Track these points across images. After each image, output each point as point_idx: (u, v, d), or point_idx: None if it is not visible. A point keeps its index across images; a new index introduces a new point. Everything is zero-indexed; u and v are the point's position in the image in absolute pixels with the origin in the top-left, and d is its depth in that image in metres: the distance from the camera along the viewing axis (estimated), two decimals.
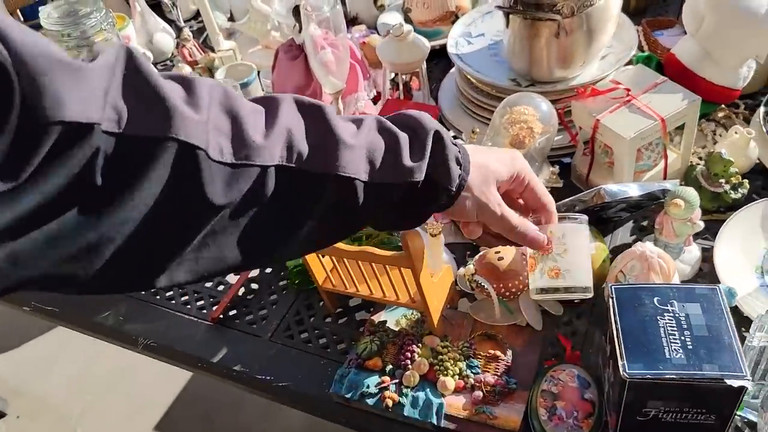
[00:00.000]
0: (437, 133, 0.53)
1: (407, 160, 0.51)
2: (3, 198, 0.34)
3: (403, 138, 0.52)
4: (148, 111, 0.40)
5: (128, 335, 0.87)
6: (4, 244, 0.36)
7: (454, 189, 0.53)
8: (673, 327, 0.61)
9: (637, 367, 0.58)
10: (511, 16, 0.91)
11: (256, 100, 0.49)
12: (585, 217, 0.64)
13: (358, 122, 0.52)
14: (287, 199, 0.47)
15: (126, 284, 0.47)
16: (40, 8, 1.07)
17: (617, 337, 0.61)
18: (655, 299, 0.63)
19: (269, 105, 0.48)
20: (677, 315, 0.62)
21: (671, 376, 0.57)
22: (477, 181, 0.55)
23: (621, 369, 0.59)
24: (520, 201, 0.63)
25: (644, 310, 0.63)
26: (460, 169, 0.54)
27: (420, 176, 0.52)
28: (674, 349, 0.59)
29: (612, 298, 0.64)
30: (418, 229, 0.86)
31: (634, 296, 0.64)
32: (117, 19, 1.24)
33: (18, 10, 1.46)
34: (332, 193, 0.49)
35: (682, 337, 0.60)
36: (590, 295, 0.63)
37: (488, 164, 0.56)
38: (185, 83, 0.44)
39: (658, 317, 0.62)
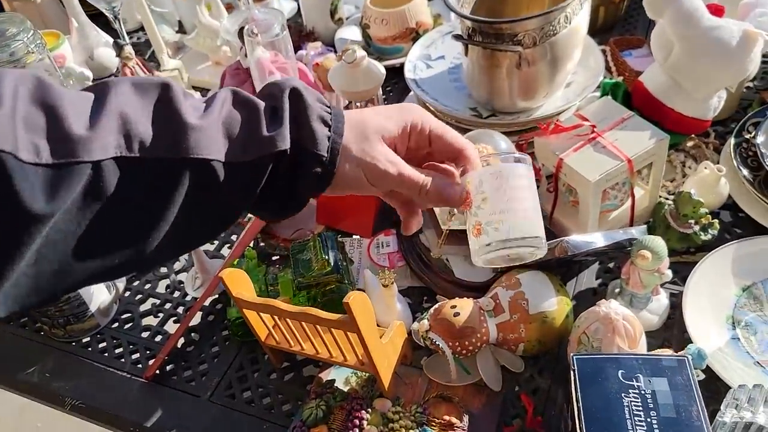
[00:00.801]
0: (294, 91, 0.47)
1: (265, 130, 0.45)
2: None
3: (260, 105, 0.46)
4: None
5: (55, 394, 0.80)
6: None
7: (325, 154, 0.47)
8: (639, 407, 0.55)
9: None
10: (470, 45, 0.85)
11: (85, 88, 0.43)
12: (525, 157, 0.53)
13: (210, 99, 0.45)
14: (136, 193, 0.40)
15: None
16: None
17: (579, 417, 0.56)
18: (620, 372, 0.58)
19: (98, 90, 0.42)
20: (643, 392, 0.56)
21: None
22: (355, 141, 0.48)
23: None
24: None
25: (608, 385, 0.57)
26: (329, 130, 0.47)
27: (283, 144, 0.45)
28: None
29: (574, 370, 0.59)
30: (371, 280, 0.80)
31: (597, 368, 0.59)
32: (50, 36, 1.15)
33: None
34: (189, 179, 0.42)
35: (648, 419, 0.55)
36: (543, 250, 0.53)
37: (366, 120, 0.49)
38: None
39: (623, 394, 0.57)
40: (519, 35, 0.81)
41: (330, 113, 0.48)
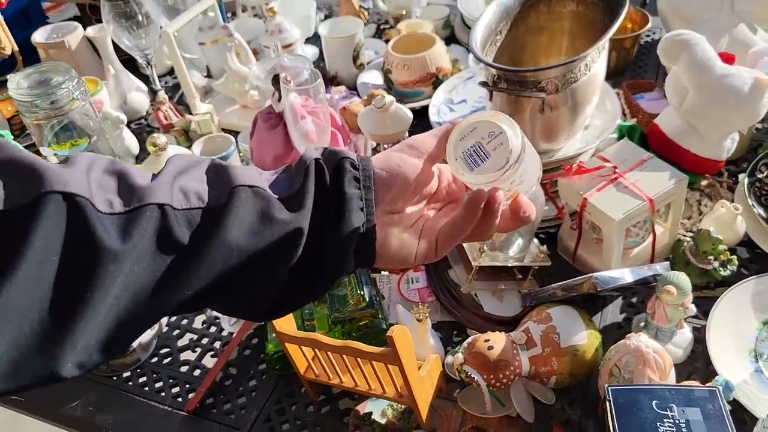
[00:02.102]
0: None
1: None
2: None
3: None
4: (16, 180, 0.38)
5: (98, 427, 0.82)
6: None
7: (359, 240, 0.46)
8: None
9: None
10: (494, 92, 0.89)
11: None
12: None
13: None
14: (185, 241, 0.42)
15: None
16: (9, 77, 1.03)
17: None
18: (654, 403, 0.61)
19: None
20: (677, 421, 0.59)
21: None
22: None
23: None
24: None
25: (643, 415, 0.60)
26: (363, 214, 0.46)
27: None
28: None
29: (609, 401, 0.62)
30: (404, 315, 0.83)
31: (632, 399, 0.62)
32: (90, 83, 1.20)
33: None
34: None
35: None
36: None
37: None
38: (64, 161, 0.42)
39: (657, 423, 0.59)
40: (542, 82, 0.86)
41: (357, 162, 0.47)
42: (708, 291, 0.86)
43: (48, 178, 0.38)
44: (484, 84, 0.90)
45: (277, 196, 0.45)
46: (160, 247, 0.41)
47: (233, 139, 0.97)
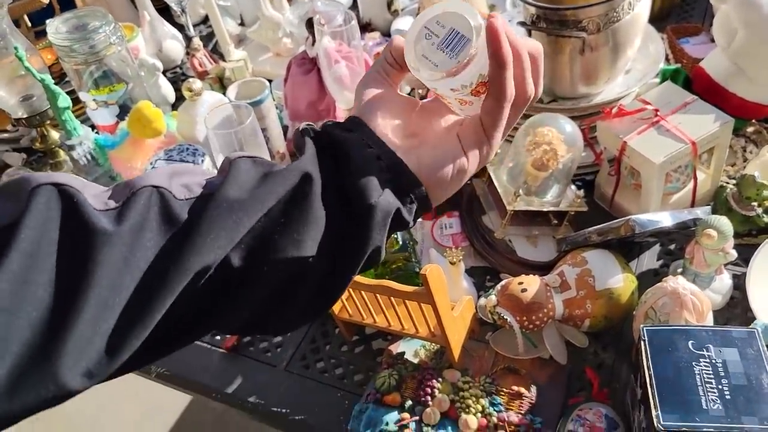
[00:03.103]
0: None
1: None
2: None
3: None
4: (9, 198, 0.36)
5: None
6: None
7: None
8: (710, 374, 0.58)
9: (672, 419, 0.56)
10: (533, 31, 0.87)
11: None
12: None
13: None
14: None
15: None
16: (47, 21, 1.04)
17: (650, 384, 0.58)
18: (690, 343, 0.60)
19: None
20: (714, 361, 0.59)
21: (709, 429, 0.55)
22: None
23: (655, 420, 0.56)
24: None
25: (678, 355, 0.60)
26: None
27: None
28: (711, 399, 0.56)
29: (644, 341, 0.61)
30: (437, 258, 0.84)
31: (667, 339, 0.61)
32: (126, 29, 1.21)
33: (25, 15, 1.43)
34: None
35: (720, 386, 0.57)
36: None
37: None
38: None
39: (693, 363, 0.59)
40: (583, 21, 0.83)
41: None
42: (750, 238, 0.84)
43: (37, 178, 0.36)
44: (522, 24, 0.88)
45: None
46: (161, 222, 0.38)
47: (266, 83, 0.97)
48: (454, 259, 0.79)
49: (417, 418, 0.71)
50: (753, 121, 0.97)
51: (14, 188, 0.37)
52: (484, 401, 0.71)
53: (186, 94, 1.03)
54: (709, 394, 0.56)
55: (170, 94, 1.24)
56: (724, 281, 0.79)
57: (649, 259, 0.86)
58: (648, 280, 0.83)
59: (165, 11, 1.42)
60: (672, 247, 0.87)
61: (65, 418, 1.87)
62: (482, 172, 0.93)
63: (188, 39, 1.24)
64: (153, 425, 1.81)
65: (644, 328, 0.62)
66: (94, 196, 0.38)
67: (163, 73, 1.33)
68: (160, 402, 1.83)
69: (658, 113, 0.82)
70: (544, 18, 0.85)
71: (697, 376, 0.58)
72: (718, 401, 0.56)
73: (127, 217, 0.37)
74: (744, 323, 0.75)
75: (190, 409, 1.84)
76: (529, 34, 0.89)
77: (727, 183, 0.91)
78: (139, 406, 1.84)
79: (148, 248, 0.37)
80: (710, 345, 0.60)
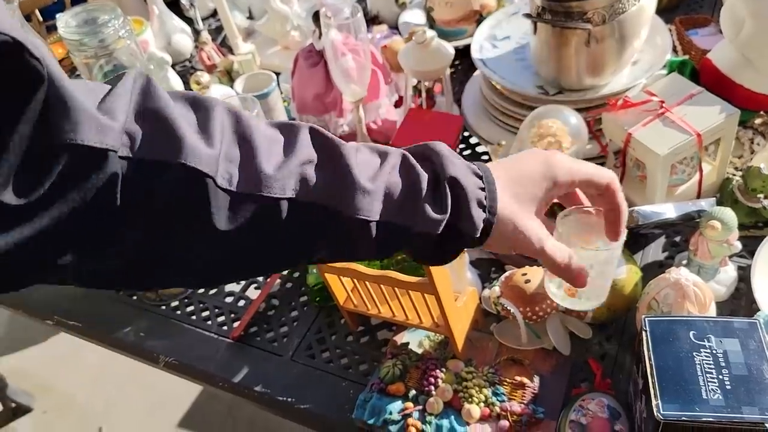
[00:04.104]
0: (453, 180, 0.49)
1: (426, 209, 0.48)
2: (16, 212, 0.35)
3: (424, 179, 0.49)
4: (159, 138, 0.41)
5: (149, 352, 0.87)
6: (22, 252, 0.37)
7: (478, 234, 0.50)
8: (710, 365, 0.58)
9: (673, 408, 0.56)
10: (538, 23, 0.87)
11: (275, 125, 0.48)
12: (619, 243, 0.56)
13: (381, 158, 0.49)
14: (295, 231, 0.46)
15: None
16: (57, 15, 1.05)
17: (651, 374, 0.58)
18: (691, 333, 0.61)
19: (288, 134, 0.47)
20: (714, 351, 0.59)
21: (708, 419, 0.55)
22: (510, 217, 0.51)
23: (655, 409, 0.56)
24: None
25: (680, 345, 0.60)
26: (485, 211, 0.50)
27: (437, 229, 0.49)
28: (711, 389, 0.57)
29: (646, 331, 0.62)
30: None
31: (668, 330, 0.61)
32: (135, 23, 1.22)
33: (36, 10, 1.45)
34: (342, 230, 0.48)
35: (720, 376, 0.57)
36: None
37: (519, 193, 0.52)
38: (200, 111, 0.44)
39: (694, 353, 0.59)
40: (588, 13, 0.83)
41: (485, 193, 0.50)
42: (756, 230, 0.84)
43: (185, 150, 0.41)
44: (528, 15, 0.88)
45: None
46: (267, 238, 0.45)
47: (273, 76, 0.98)
48: None
49: (420, 407, 0.72)
50: (761, 112, 0.96)
51: (166, 135, 0.41)
52: (487, 391, 0.72)
53: (194, 87, 1.04)
54: (709, 384, 0.57)
55: (179, 88, 1.25)
56: (729, 273, 0.79)
57: (654, 251, 0.86)
58: (653, 271, 0.83)
59: (174, 5, 1.43)
60: (677, 239, 0.87)
61: (77, 409, 1.90)
62: None
63: (197, 32, 1.25)
64: (164, 414, 1.83)
65: (646, 319, 0.62)
66: (223, 163, 0.44)
67: (173, 66, 1.34)
68: (170, 392, 1.85)
69: (664, 105, 0.82)
70: (549, 10, 0.85)
71: (698, 366, 0.58)
72: (719, 391, 0.56)
73: (238, 221, 0.44)
74: (748, 315, 0.75)
75: (199, 399, 1.86)
76: (535, 26, 0.89)
77: (734, 175, 0.90)
78: (150, 397, 1.87)
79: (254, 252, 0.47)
80: (711, 335, 0.60)
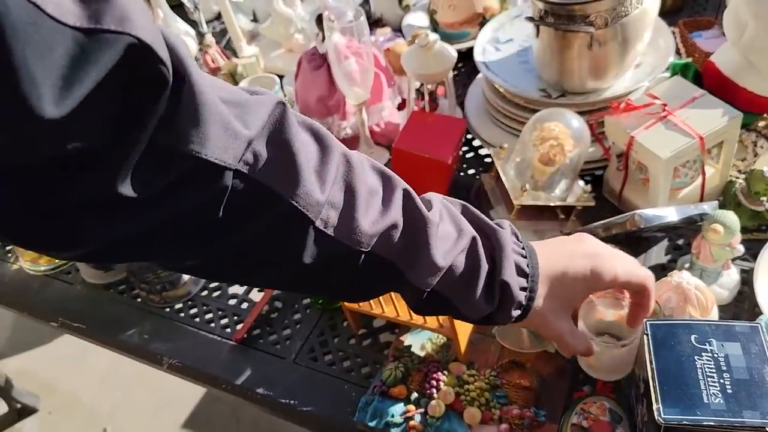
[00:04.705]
0: (504, 284, 0.55)
1: (477, 299, 0.55)
2: (129, 204, 0.37)
3: (483, 271, 0.55)
4: (280, 168, 0.43)
5: (153, 354, 0.87)
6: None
7: (515, 318, 0.58)
8: (712, 369, 0.58)
9: (673, 412, 0.56)
10: (541, 27, 0.87)
11: (378, 173, 0.52)
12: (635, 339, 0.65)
13: (458, 232, 0.54)
14: (363, 276, 0.52)
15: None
16: None
17: (652, 378, 0.58)
18: (693, 337, 0.60)
19: (386, 188, 0.51)
20: (716, 355, 0.59)
21: (710, 423, 0.55)
22: (540, 315, 0.58)
23: (656, 413, 0.56)
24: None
25: (681, 348, 0.60)
26: (520, 310, 0.57)
27: (478, 316, 0.57)
28: (713, 393, 0.56)
29: (647, 334, 0.62)
30: None
31: (670, 333, 0.61)
32: None
33: None
34: (400, 287, 0.55)
35: (721, 380, 0.57)
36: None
37: (557, 295, 0.58)
38: (322, 147, 0.48)
39: (695, 357, 0.59)
40: (591, 16, 0.83)
41: (526, 293, 0.56)
42: (759, 233, 0.84)
43: (300, 190, 0.44)
44: (530, 19, 0.88)
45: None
46: (338, 275, 0.52)
47: (277, 79, 0.98)
48: None
49: (422, 410, 0.72)
50: (765, 115, 0.96)
51: (289, 169, 0.45)
52: (489, 394, 0.72)
53: None
54: (710, 388, 0.57)
55: None
56: (732, 276, 0.78)
57: (657, 254, 0.86)
58: (656, 274, 0.81)
59: (179, 8, 1.43)
60: (680, 242, 0.87)
61: (83, 410, 1.91)
62: (491, 168, 0.93)
63: (201, 35, 1.26)
64: (169, 415, 1.84)
65: (647, 323, 0.62)
66: (327, 210, 0.49)
67: None
68: (175, 394, 1.86)
69: (666, 108, 0.82)
70: (551, 13, 0.85)
71: (699, 370, 0.58)
72: (720, 395, 0.56)
73: (320, 262, 0.50)
74: (751, 318, 0.75)
75: (204, 401, 1.86)
76: (537, 30, 0.89)
77: (737, 178, 0.90)
78: (155, 398, 1.87)
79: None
80: (713, 339, 0.60)
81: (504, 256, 0.55)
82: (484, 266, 0.54)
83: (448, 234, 0.53)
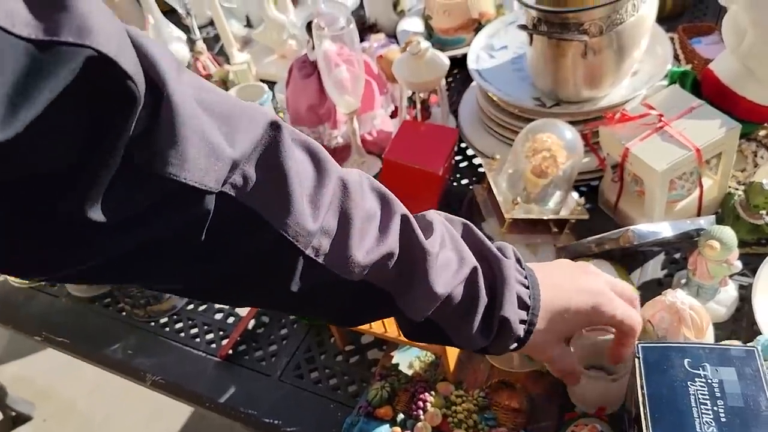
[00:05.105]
0: (503, 320, 0.53)
1: (472, 332, 0.53)
2: (103, 230, 0.34)
3: (482, 304, 0.53)
4: (270, 193, 0.41)
5: (136, 370, 0.85)
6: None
7: (512, 348, 0.57)
8: (705, 395, 0.55)
9: None
10: (534, 35, 0.85)
11: (377, 196, 0.49)
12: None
13: (459, 261, 0.52)
14: (354, 302, 0.50)
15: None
16: None
17: (643, 404, 0.56)
18: (686, 361, 0.58)
19: (384, 213, 0.49)
20: (710, 381, 0.56)
21: None
22: (536, 344, 0.57)
23: None
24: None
25: (674, 373, 0.57)
26: (517, 342, 0.56)
27: (473, 348, 0.56)
28: (706, 421, 0.54)
29: (639, 358, 0.59)
30: None
31: (662, 357, 0.59)
32: None
33: None
34: (393, 315, 0.54)
35: (715, 408, 0.55)
36: None
37: (555, 329, 0.57)
38: (318, 170, 0.45)
39: (688, 383, 0.56)
40: (585, 24, 0.81)
41: (524, 326, 0.55)
42: (758, 247, 0.81)
43: (290, 219, 0.42)
44: (523, 27, 0.86)
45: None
46: (326, 300, 0.51)
47: (266, 88, 0.96)
48: None
49: None
50: (765, 125, 0.93)
51: (280, 196, 0.43)
52: (477, 416, 0.70)
53: None
54: (703, 416, 0.54)
55: None
56: (730, 293, 0.76)
57: (654, 269, 0.83)
58: (652, 290, 0.80)
59: (173, 13, 1.42)
60: (677, 256, 0.84)
61: (77, 417, 1.89)
62: (483, 179, 0.91)
63: (192, 42, 1.24)
64: (163, 424, 1.82)
65: (639, 345, 0.60)
66: (320, 239, 0.46)
67: None
68: (169, 402, 1.83)
69: (662, 118, 0.80)
70: (545, 21, 0.83)
71: (692, 397, 0.55)
72: (713, 424, 0.54)
73: (306, 288, 0.48)
74: (750, 337, 0.73)
75: (198, 410, 1.84)
76: (531, 38, 0.87)
77: (737, 189, 0.88)
78: (149, 406, 1.86)
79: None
80: (707, 364, 0.57)
81: (506, 288, 0.53)
82: (483, 299, 0.53)
83: (449, 262, 0.51)
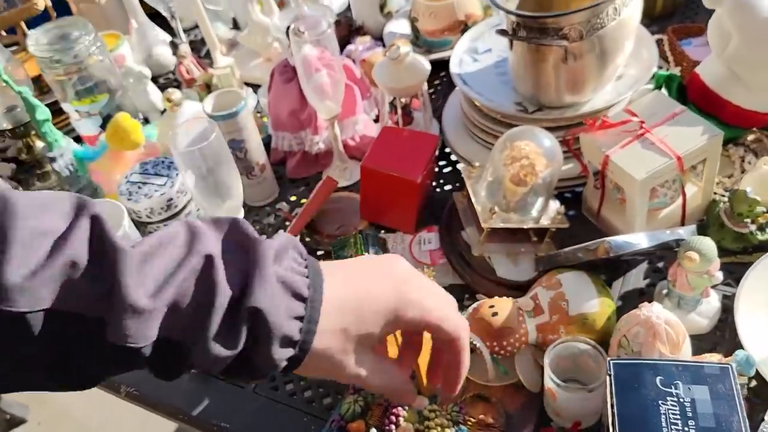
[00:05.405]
0: (254, 311, 0.41)
1: (209, 343, 0.40)
2: None
3: (224, 297, 0.41)
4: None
5: (111, 381, 0.84)
6: None
7: (279, 370, 0.44)
8: (677, 415, 0.54)
9: None
10: (514, 41, 0.83)
11: (47, 198, 0.40)
12: None
13: (185, 254, 0.41)
14: (49, 346, 0.39)
15: None
16: (29, 32, 1.03)
17: (613, 424, 0.55)
18: (658, 379, 0.56)
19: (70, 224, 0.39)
20: (682, 400, 0.55)
21: None
22: (327, 353, 0.45)
23: None
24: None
25: (645, 392, 0.56)
26: (295, 348, 0.43)
27: (220, 366, 0.42)
28: None
29: (610, 375, 0.58)
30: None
31: (634, 374, 0.57)
32: (110, 38, 1.20)
33: (22, 23, 1.43)
34: (103, 348, 0.39)
35: (686, 428, 0.53)
36: None
37: (351, 327, 0.46)
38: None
39: (660, 402, 0.55)
40: (564, 29, 0.79)
41: (301, 324, 0.43)
42: (744, 256, 0.79)
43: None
44: (502, 32, 0.84)
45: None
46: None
47: (244, 94, 0.95)
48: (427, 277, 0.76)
49: None
50: (754, 129, 0.91)
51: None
52: (450, 431, 0.68)
53: (166, 104, 1.02)
54: None
55: (159, 102, 1.23)
56: (712, 303, 0.74)
57: (636, 278, 0.82)
58: (633, 300, 0.79)
59: (160, 16, 1.40)
60: (660, 264, 0.82)
61: (72, 421, 1.89)
62: (464, 186, 0.89)
63: (175, 46, 1.23)
64: (159, 429, 1.82)
65: (611, 362, 0.58)
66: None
67: (156, 79, 1.32)
68: None
69: (644, 125, 0.78)
70: (524, 26, 0.81)
71: (663, 417, 0.54)
72: None
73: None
74: (732, 349, 0.71)
75: None
76: (511, 43, 0.85)
77: (723, 196, 0.86)
78: (144, 412, 1.85)
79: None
80: (679, 382, 0.56)
81: (258, 273, 0.41)
82: (225, 292, 0.40)
83: (165, 263, 0.40)
